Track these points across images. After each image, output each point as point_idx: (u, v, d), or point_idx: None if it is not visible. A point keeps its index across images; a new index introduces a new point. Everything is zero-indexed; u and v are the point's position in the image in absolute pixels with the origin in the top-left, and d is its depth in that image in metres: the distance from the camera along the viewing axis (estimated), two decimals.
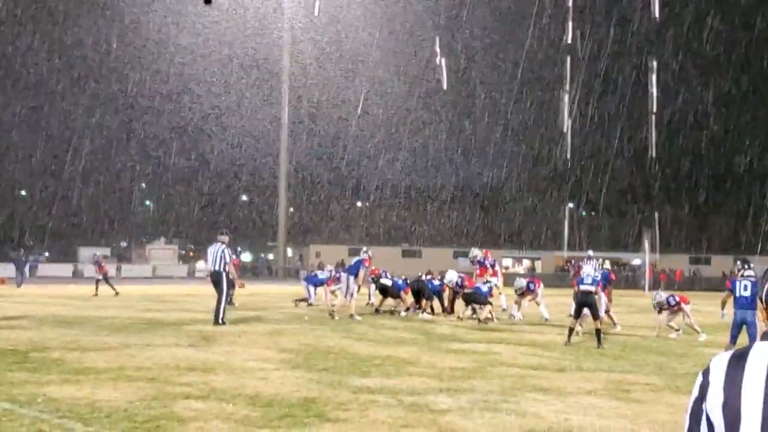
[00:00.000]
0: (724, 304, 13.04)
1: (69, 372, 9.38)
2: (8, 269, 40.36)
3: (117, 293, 27.63)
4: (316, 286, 23.84)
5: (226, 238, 16.95)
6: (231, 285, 23.54)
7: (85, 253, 69.32)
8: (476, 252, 22.15)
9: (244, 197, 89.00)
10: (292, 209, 74.73)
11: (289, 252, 69.83)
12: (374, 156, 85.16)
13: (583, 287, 14.74)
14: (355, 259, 19.86)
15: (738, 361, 1.90)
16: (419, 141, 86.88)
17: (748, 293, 11.94)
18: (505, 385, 9.43)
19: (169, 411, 7.18)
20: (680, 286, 50.95)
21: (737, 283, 12.21)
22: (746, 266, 12.75)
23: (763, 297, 2.01)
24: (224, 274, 16.39)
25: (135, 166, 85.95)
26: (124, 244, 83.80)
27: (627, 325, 19.15)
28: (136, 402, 7.56)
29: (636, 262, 72.85)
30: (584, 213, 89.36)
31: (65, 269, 54.63)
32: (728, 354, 1.96)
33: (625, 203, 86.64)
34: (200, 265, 54.87)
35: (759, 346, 1.91)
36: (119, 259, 65.56)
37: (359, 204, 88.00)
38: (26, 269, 38.76)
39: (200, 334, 14.34)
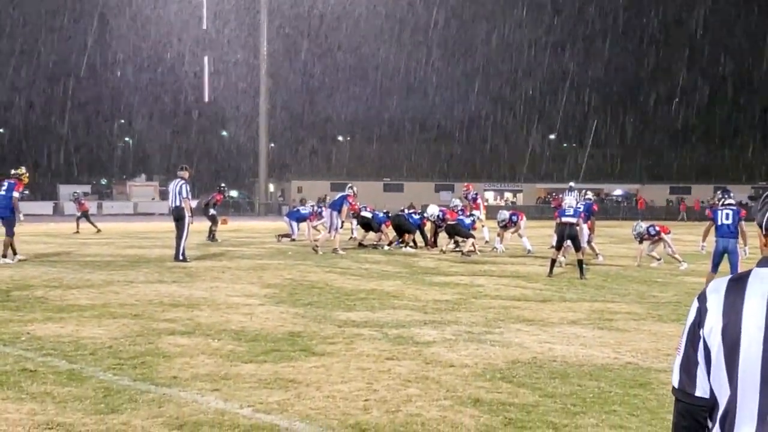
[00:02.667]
0: (706, 234, 13.09)
1: (52, 310, 9.35)
2: None
3: (98, 230, 27.53)
4: (298, 221, 23.84)
5: (185, 174, 16.71)
6: (214, 221, 23.53)
7: (65, 190, 68.80)
8: (456, 202, 22.06)
9: (224, 132, 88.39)
10: (273, 144, 74.26)
11: (271, 187, 69.63)
12: (355, 90, 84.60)
13: (564, 219, 14.77)
14: (339, 194, 19.82)
15: (737, 287, 1.88)
16: (401, 75, 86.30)
17: (729, 221, 12.01)
18: (489, 317, 9.49)
19: (155, 347, 7.18)
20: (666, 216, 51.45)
21: (719, 212, 12.26)
22: (726, 195, 12.79)
23: (763, 224, 1.98)
24: (186, 210, 16.27)
25: (115, 103, 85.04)
26: (104, 181, 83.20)
27: (609, 255, 19.29)
28: (120, 339, 7.55)
29: (617, 192, 73.33)
30: (565, 144, 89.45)
31: (46, 207, 54.25)
32: (725, 279, 1.94)
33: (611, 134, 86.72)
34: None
35: (757, 271, 1.89)
36: (100, 196, 65.13)
37: (340, 138, 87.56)
38: None
39: (183, 271, 14.32)
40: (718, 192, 13.70)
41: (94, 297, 10.53)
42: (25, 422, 4.80)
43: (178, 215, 16.24)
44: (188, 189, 16.44)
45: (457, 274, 14.61)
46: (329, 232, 19.53)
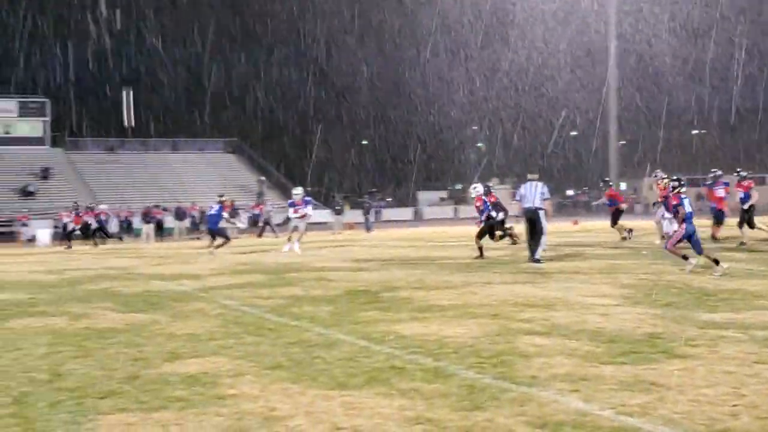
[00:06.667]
0: None
1: (417, 310, 9.88)
2: (357, 215, 43.43)
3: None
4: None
5: (536, 176, 16.94)
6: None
7: (423, 197, 72.34)
8: None
9: (573, 132, 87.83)
10: (622, 142, 72.53)
11: (623, 186, 68.07)
12: (701, 78, 79.99)
13: None
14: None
15: None
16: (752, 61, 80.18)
17: None
18: None
19: (513, 346, 7.33)
20: None
21: None
22: None
23: None
24: (543, 212, 16.36)
25: (468, 109, 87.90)
26: (459, 186, 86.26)
27: None
28: (480, 338, 7.80)
29: None
30: None
31: (406, 213, 57.43)
32: None
33: None
34: None
35: None
36: (456, 201, 67.62)
37: (694, 132, 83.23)
38: (372, 215, 41.47)
39: (536, 271, 14.46)
40: None
41: (455, 297, 10.98)
42: (395, 417, 5.12)
43: (536, 216, 16.40)
44: (548, 190, 16.73)
45: None
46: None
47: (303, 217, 22.77)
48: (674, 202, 14.14)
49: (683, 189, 13.93)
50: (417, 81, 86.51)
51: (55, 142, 66.35)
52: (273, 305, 10.88)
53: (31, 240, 41.37)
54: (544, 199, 16.49)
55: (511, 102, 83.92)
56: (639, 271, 13.91)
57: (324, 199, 63.34)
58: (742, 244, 19.12)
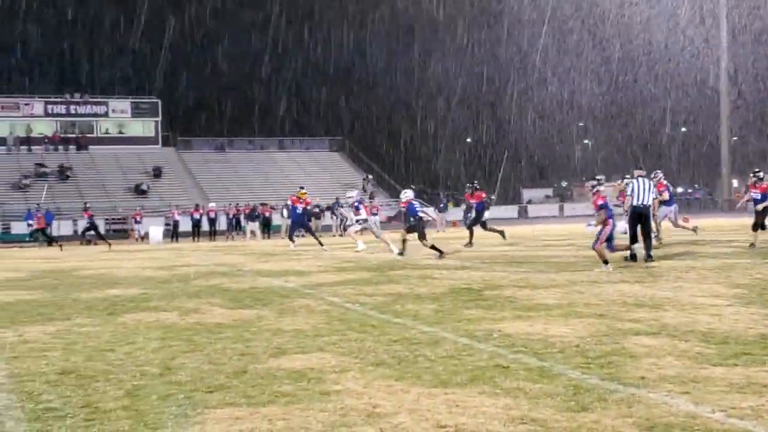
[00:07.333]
0: None
1: (521, 309, 9.80)
2: (460, 213, 43.42)
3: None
4: None
5: (644, 172, 16.77)
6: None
7: (528, 194, 71.75)
8: None
9: (683, 129, 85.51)
10: (735, 138, 70.26)
11: (735, 183, 65.96)
12: None
13: None
14: None
15: None
16: None
17: None
18: None
19: (621, 347, 7.18)
20: None
21: None
22: None
23: None
24: (650, 208, 16.20)
25: (574, 105, 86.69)
26: (564, 183, 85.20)
27: None
28: (587, 338, 7.67)
29: None
30: None
31: (511, 211, 57.06)
32: None
33: None
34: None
35: None
36: (561, 198, 66.83)
37: None
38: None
39: (646, 270, 14.14)
40: None
41: (560, 296, 10.84)
42: (500, 416, 5.07)
43: (647, 213, 16.11)
44: (654, 188, 16.52)
45: None
46: None
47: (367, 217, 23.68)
48: (600, 203, 14.76)
49: (601, 188, 15.00)
50: (522, 78, 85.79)
51: (166, 142, 68.34)
52: (376, 302, 10.96)
53: (144, 237, 42.76)
54: (654, 198, 16.21)
55: (618, 98, 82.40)
56: (753, 271, 13.45)
57: (428, 198, 63.47)
58: (752, 245, 18.48)
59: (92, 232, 37.92)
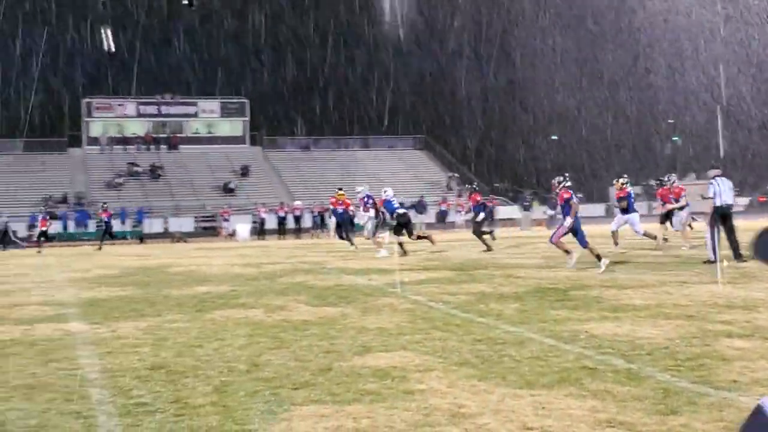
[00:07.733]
0: None
1: (608, 309, 9.64)
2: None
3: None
4: None
5: (720, 171, 16.40)
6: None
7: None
8: None
9: None
10: None
11: None
12: None
13: None
14: None
15: None
16: None
17: None
18: None
19: (711, 349, 7.00)
20: None
21: None
22: None
23: None
24: (732, 207, 15.89)
25: (660, 103, 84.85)
26: (652, 182, 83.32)
27: None
28: (676, 340, 7.51)
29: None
30: None
31: (598, 209, 56.22)
32: None
33: None
34: None
35: None
36: (649, 196, 65.48)
37: None
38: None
39: (738, 271, 13.77)
40: None
41: (648, 297, 10.63)
42: (587, 418, 5.00)
43: (729, 212, 15.69)
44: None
45: None
46: None
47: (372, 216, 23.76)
48: (566, 196, 15.05)
49: (568, 184, 15.34)
50: (608, 75, 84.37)
51: (253, 141, 69.39)
52: (460, 301, 10.93)
53: (232, 234, 43.51)
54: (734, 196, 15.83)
55: (708, 94, 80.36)
56: None
57: (513, 196, 63.00)
58: None
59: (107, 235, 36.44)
